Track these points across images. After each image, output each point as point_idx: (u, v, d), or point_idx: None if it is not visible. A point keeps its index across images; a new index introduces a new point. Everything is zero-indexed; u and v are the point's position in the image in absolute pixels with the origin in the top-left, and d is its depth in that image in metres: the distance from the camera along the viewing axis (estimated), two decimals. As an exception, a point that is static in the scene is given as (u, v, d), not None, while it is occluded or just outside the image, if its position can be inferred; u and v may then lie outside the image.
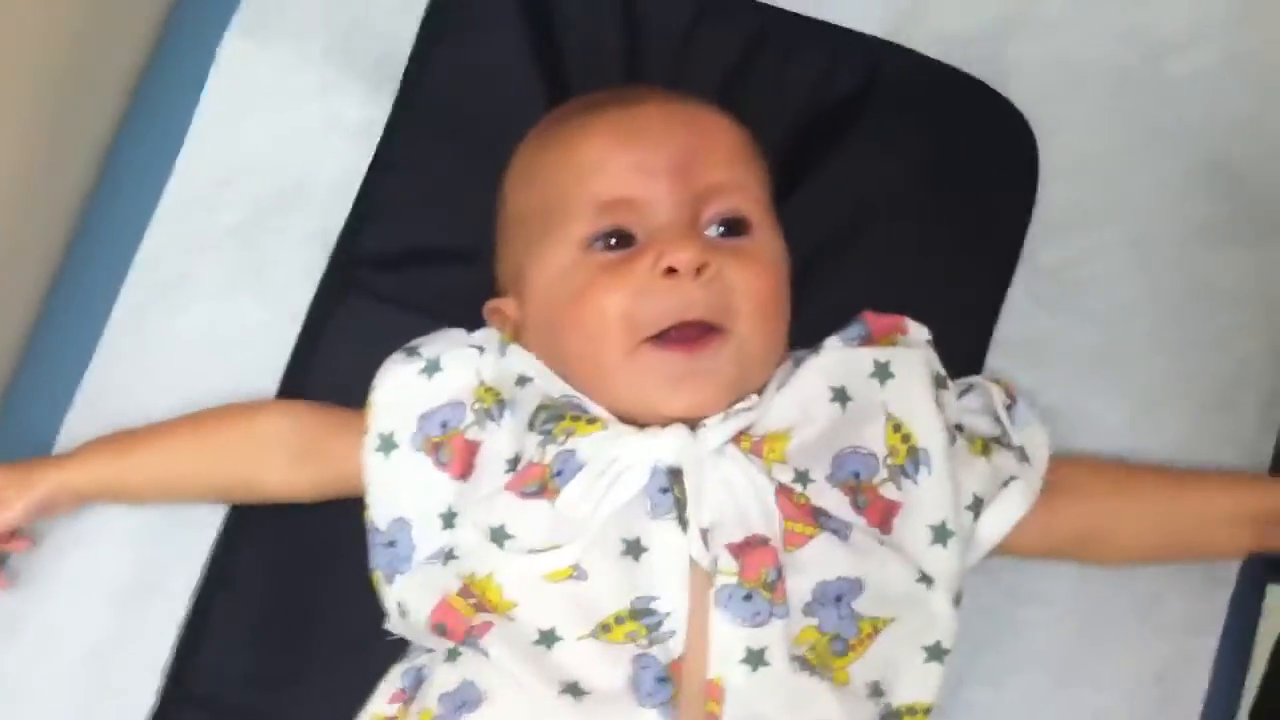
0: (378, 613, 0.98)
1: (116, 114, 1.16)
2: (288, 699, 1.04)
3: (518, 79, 1.12)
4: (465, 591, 0.93)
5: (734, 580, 0.91)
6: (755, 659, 0.90)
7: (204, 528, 1.06)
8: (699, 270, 0.93)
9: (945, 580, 0.94)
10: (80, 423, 1.07)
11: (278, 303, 1.10)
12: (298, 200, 1.12)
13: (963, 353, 1.04)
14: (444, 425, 0.98)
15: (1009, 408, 1.01)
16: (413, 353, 1.01)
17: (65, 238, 1.14)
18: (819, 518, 0.93)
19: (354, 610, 1.00)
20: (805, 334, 0.99)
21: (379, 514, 0.98)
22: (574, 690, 0.89)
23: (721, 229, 0.96)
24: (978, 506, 0.97)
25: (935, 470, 0.95)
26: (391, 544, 0.97)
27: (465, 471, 0.97)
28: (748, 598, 0.91)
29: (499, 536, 0.93)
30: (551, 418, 0.95)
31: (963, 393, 1.00)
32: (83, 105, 1.14)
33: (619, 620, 0.91)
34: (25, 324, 1.12)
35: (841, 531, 0.93)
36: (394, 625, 0.98)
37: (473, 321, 1.02)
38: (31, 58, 1.07)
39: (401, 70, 1.13)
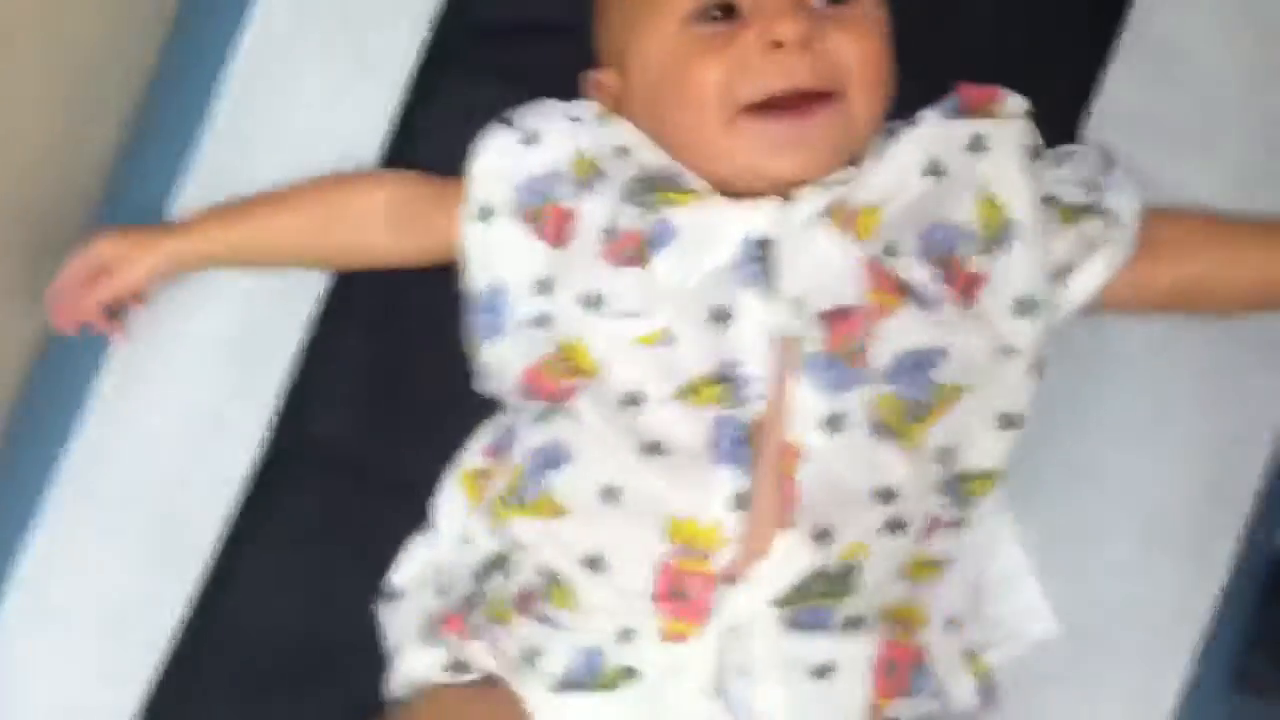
0: (470, 374, 1.02)
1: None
2: (388, 451, 1.08)
3: None
4: (556, 355, 0.96)
5: (819, 348, 0.92)
6: (835, 423, 0.91)
7: (307, 293, 1.09)
8: (805, 43, 0.92)
9: (1027, 352, 0.94)
10: (190, 197, 1.11)
11: (379, 78, 1.11)
12: None
13: (1059, 125, 1.03)
14: (541, 194, 0.99)
15: (1106, 172, 1.00)
16: (511, 124, 1.02)
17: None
18: (905, 289, 0.93)
19: (449, 371, 1.04)
20: (899, 109, 0.98)
21: (476, 279, 1.01)
22: (655, 449, 0.92)
23: None
24: (1065, 273, 0.96)
25: (1025, 242, 0.94)
26: (488, 307, 1.00)
27: (561, 239, 0.98)
28: (831, 365, 0.92)
29: (592, 302, 0.95)
30: (647, 187, 0.96)
31: (1059, 162, 0.99)
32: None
33: (704, 383, 0.93)
34: (136, 99, 1.16)
35: (927, 303, 0.93)
36: (484, 384, 1.01)
37: (571, 96, 1.03)
38: None
39: None
